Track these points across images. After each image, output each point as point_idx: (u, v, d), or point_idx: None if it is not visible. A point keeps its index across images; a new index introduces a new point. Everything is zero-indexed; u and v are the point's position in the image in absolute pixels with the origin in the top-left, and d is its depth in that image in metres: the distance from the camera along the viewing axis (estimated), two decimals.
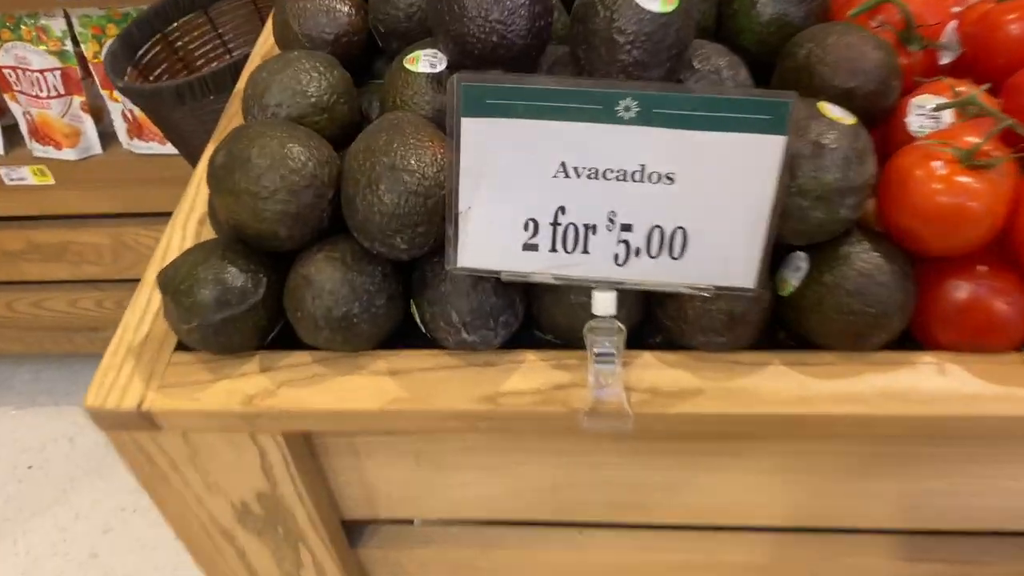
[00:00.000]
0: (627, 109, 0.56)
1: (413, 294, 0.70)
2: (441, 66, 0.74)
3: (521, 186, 0.59)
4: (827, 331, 0.65)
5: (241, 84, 0.99)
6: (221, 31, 1.44)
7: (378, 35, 0.83)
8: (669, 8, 0.65)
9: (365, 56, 0.87)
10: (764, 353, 0.67)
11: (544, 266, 0.62)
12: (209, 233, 0.79)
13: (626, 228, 0.60)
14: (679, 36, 0.66)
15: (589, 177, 0.59)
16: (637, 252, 0.61)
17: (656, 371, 0.66)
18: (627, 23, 0.64)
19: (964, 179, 0.61)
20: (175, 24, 1.38)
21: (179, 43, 1.40)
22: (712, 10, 0.80)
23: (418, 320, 0.70)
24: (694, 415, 0.64)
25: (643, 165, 0.58)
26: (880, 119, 0.69)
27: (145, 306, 0.74)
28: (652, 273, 0.61)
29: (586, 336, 0.64)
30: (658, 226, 0.60)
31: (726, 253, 0.60)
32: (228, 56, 1.48)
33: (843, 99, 0.67)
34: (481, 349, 0.68)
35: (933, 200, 0.61)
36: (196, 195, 0.85)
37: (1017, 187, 0.62)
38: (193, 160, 1.31)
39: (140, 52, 1.35)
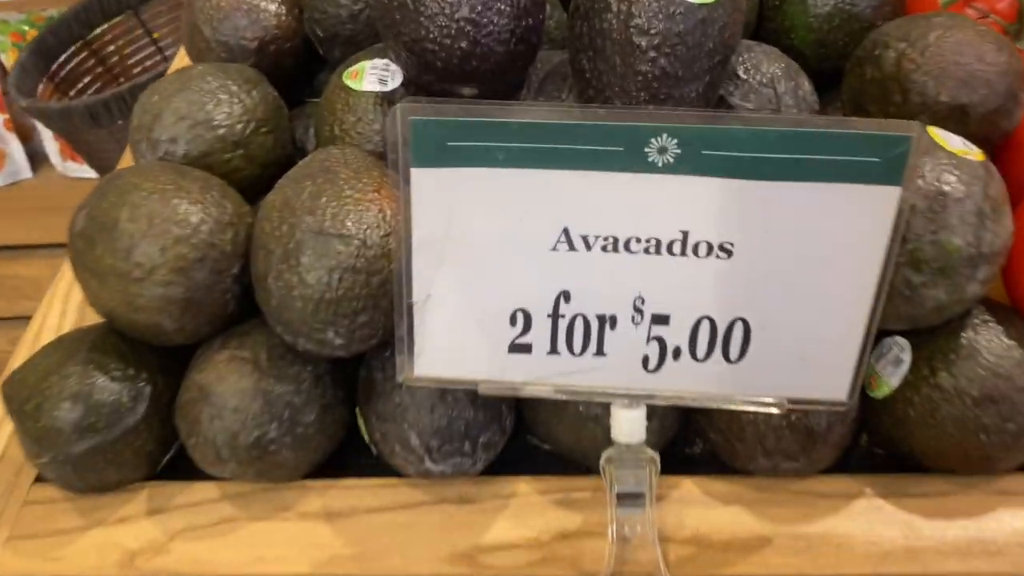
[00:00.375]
0: (663, 151, 0.37)
1: (358, 401, 0.50)
2: (394, 82, 0.54)
3: (505, 265, 0.40)
4: (941, 450, 0.46)
5: None
6: (156, 35, 1.24)
7: (317, 40, 0.64)
8: None
9: (302, 68, 0.68)
10: (849, 478, 0.48)
11: (541, 374, 0.43)
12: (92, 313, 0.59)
13: (660, 320, 0.41)
14: (724, 37, 0.47)
15: (605, 250, 0.39)
16: (676, 353, 0.41)
17: (701, 510, 0.47)
18: (651, 20, 0.45)
19: None
20: (99, 29, 1.18)
21: (106, 51, 1.20)
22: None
23: (366, 437, 0.50)
24: None
25: (685, 232, 0.39)
26: (996, 146, 0.50)
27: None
28: (697, 382, 0.42)
29: (604, 470, 0.44)
30: (707, 317, 0.41)
31: (807, 353, 0.41)
32: (167, 65, 1.28)
33: (951, 122, 0.48)
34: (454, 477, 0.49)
35: None
36: None
37: None
38: None
39: (58, 62, 1.15)
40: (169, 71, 0.81)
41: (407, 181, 0.38)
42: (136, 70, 1.27)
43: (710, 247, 0.39)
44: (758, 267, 0.39)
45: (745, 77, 0.52)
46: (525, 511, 0.48)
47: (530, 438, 0.53)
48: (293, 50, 0.65)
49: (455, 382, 0.43)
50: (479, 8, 0.48)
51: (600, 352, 0.42)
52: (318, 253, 0.44)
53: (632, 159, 0.37)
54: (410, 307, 0.41)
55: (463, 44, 0.48)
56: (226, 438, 0.46)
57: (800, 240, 0.39)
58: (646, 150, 0.37)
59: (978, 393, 0.44)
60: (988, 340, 0.44)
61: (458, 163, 0.37)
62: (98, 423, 0.46)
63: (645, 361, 0.42)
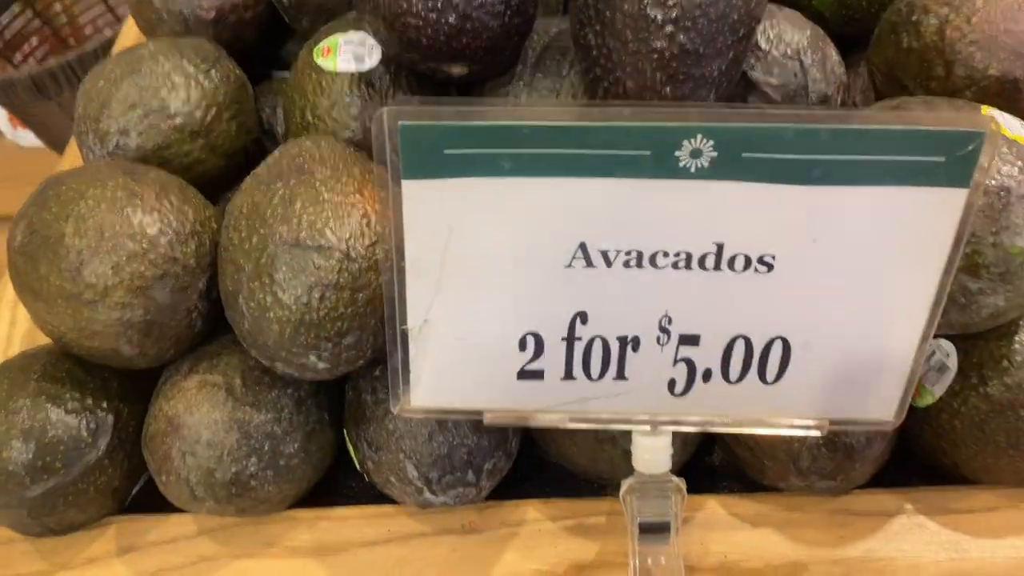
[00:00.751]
0: (696, 154, 0.31)
1: (346, 424, 0.45)
2: (372, 60, 0.48)
3: (512, 285, 0.35)
4: (990, 466, 0.42)
5: None
6: None
7: (281, 8, 0.57)
8: None
9: (265, 38, 0.61)
10: (887, 494, 0.44)
11: (554, 401, 0.38)
12: None
13: (689, 341, 0.36)
14: (750, 7, 0.41)
15: (627, 265, 0.34)
16: (707, 375, 0.37)
17: (730, 534, 0.43)
18: None
19: None
20: None
21: (51, 11, 1.11)
22: None
23: (357, 464, 0.45)
24: None
25: (720, 244, 0.34)
26: None
27: None
28: (729, 405, 0.38)
29: (624, 500, 0.40)
30: (743, 336, 0.36)
31: (852, 372, 0.37)
32: (120, 26, 1.18)
33: (1001, 99, 0.43)
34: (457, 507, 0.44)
35: None
36: None
37: None
38: None
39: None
40: (118, 41, 0.74)
41: (397, 194, 0.32)
42: (88, 31, 1.18)
43: (748, 261, 0.34)
44: (802, 281, 0.34)
45: (767, 48, 0.46)
46: (536, 541, 0.43)
47: (539, 452, 0.49)
48: (255, 19, 0.58)
49: (456, 412, 0.38)
50: None
51: (621, 376, 0.37)
52: (294, 269, 0.38)
53: (661, 164, 0.32)
54: (404, 334, 0.36)
55: (451, 19, 0.42)
56: (200, 475, 0.41)
57: (851, 250, 0.34)
58: (677, 154, 0.31)
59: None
60: None
61: (457, 173, 0.32)
62: (54, 463, 0.41)
63: (671, 385, 0.37)
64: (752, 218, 0.33)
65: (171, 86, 0.48)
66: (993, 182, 0.36)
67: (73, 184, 0.41)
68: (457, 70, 0.45)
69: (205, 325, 0.43)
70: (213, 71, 0.50)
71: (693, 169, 0.32)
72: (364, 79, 0.47)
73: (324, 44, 0.49)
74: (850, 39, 0.54)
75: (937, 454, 0.43)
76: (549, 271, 0.34)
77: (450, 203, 0.32)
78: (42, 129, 0.93)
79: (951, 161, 0.32)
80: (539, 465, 0.48)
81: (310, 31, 0.56)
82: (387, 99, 0.47)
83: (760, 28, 0.47)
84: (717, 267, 0.34)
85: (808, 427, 0.38)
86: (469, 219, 0.33)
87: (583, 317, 0.36)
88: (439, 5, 0.42)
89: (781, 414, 0.38)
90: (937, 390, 0.42)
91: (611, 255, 0.34)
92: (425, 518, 0.44)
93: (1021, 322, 0.41)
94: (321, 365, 0.40)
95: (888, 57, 0.47)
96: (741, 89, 0.47)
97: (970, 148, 0.31)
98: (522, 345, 0.36)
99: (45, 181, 0.43)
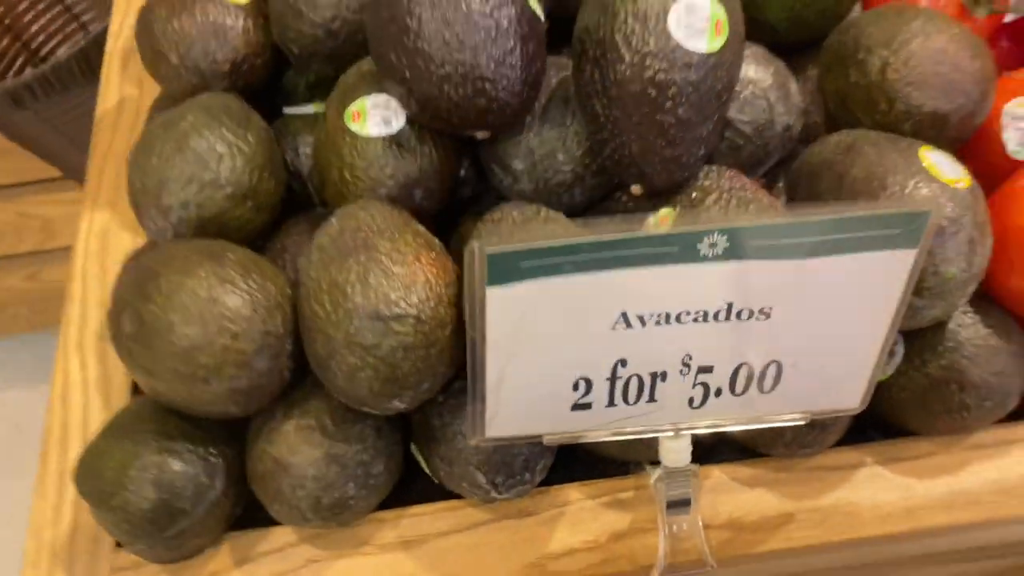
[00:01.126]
0: (713, 246, 0.40)
1: (415, 439, 0.54)
2: (398, 122, 0.54)
3: (569, 347, 0.44)
4: (931, 426, 0.54)
5: (112, 91, 0.75)
6: None
7: (291, 55, 0.62)
8: (718, 43, 0.47)
9: (273, 78, 0.65)
10: (853, 450, 0.55)
11: (599, 423, 0.47)
12: (112, 352, 0.58)
13: (705, 370, 0.46)
14: (731, 76, 0.49)
15: (658, 324, 0.43)
16: (718, 392, 0.47)
17: (733, 496, 0.54)
18: (666, 72, 0.47)
19: None
20: None
21: (8, 19, 1.08)
22: None
23: (428, 471, 0.55)
24: (787, 550, 0.53)
25: (730, 303, 0.43)
26: (967, 139, 0.55)
27: (57, 493, 0.56)
28: (735, 410, 0.48)
29: (655, 487, 0.51)
30: (746, 363, 0.46)
31: (829, 378, 0.47)
32: (81, 31, 1.15)
33: (932, 128, 0.52)
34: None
35: None
36: (83, 293, 0.65)
37: None
38: (55, 161, 1.05)
39: None
40: (104, 75, 0.76)
41: (483, 297, 0.40)
42: (40, 38, 1.14)
43: (751, 312, 0.43)
44: (794, 323, 0.44)
45: (739, 89, 0.54)
46: (580, 517, 0.54)
47: None
48: (265, 64, 0.63)
49: (522, 438, 0.48)
50: (490, 64, 0.48)
51: (652, 399, 0.47)
52: (378, 336, 0.46)
53: (685, 254, 0.40)
54: (483, 389, 0.45)
55: (481, 102, 0.49)
56: (310, 503, 0.50)
57: (830, 299, 0.43)
58: (698, 246, 0.40)
59: (964, 380, 0.51)
60: (970, 332, 0.51)
61: (528, 277, 0.40)
62: (184, 507, 0.49)
63: (691, 401, 0.47)
64: (756, 284, 0.42)
65: (218, 157, 0.53)
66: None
67: (169, 276, 0.47)
68: (480, 135, 0.52)
69: (292, 377, 0.51)
70: (249, 135, 0.55)
71: (710, 255, 0.41)
72: (395, 140, 0.54)
73: (353, 109, 0.54)
74: (800, 46, 0.62)
75: (889, 417, 0.55)
76: (597, 333, 0.43)
77: (523, 299, 0.41)
78: (20, 136, 0.95)
79: (905, 231, 0.41)
80: (568, 452, 0.58)
81: (318, 74, 0.62)
82: (417, 156, 0.54)
83: None
84: (728, 318, 0.44)
85: (794, 419, 0.49)
86: (538, 308, 0.41)
87: (623, 362, 0.45)
88: (470, 93, 0.48)
89: (774, 413, 0.48)
90: (889, 370, 0.53)
91: (645, 318, 0.43)
92: (488, 508, 0.54)
93: (948, 320, 0.52)
94: (402, 405, 0.49)
95: (839, 87, 0.55)
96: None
97: (919, 222, 0.41)
98: (575, 387, 0.45)
99: (135, 268, 0.49)
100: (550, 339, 0.43)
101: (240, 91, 0.60)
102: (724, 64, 0.48)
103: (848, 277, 0.43)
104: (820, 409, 0.49)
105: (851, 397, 0.48)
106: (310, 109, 0.65)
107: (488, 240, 0.38)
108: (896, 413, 0.54)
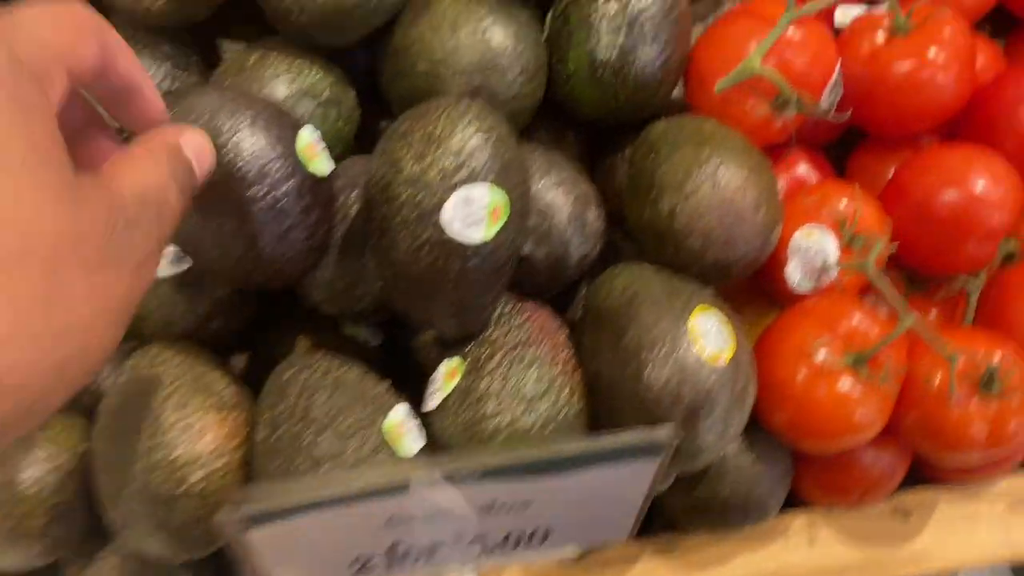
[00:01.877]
0: (464, 479, 0.43)
1: None
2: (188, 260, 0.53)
3: (340, 546, 0.47)
4: (696, 525, 0.60)
5: None
6: None
7: None
8: (495, 229, 0.47)
9: None
10: (636, 543, 0.61)
11: None
12: None
13: (478, 539, 0.50)
14: (514, 246, 0.50)
15: (425, 522, 0.47)
16: (493, 550, 0.51)
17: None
18: (444, 259, 0.47)
19: (852, 391, 0.53)
20: None
21: None
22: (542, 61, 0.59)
23: None
24: None
25: (493, 500, 0.46)
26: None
27: None
28: (513, 555, 0.53)
29: None
30: (513, 532, 0.50)
31: (594, 528, 0.52)
32: None
33: (716, 273, 0.54)
34: None
35: (823, 423, 0.54)
36: None
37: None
38: None
39: None
40: None
41: (249, 546, 0.42)
42: None
43: (510, 506, 0.47)
44: (552, 507, 0.48)
45: (535, 224, 0.54)
46: None
47: None
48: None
49: None
50: (271, 248, 0.47)
51: (431, 560, 0.51)
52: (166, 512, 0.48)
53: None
54: None
55: (260, 279, 0.48)
56: None
57: (584, 493, 0.47)
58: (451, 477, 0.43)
59: (730, 504, 0.57)
60: (736, 462, 0.56)
61: (288, 517, 0.42)
62: None
63: (471, 553, 0.51)
64: (513, 492, 0.45)
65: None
66: (687, 403, 0.49)
67: None
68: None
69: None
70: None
71: (466, 482, 0.43)
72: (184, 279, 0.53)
73: None
74: (607, 129, 0.62)
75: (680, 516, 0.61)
76: (366, 535, 0.46)
77: (288, 531, 0.43)
78: None
79: (650, 448, 0.44)
80: None
81: None
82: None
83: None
84: (490, 512, 0.47)
85: (568, 552, 0.54)
86: (294, 543, 0.44)
87: (396, 545, 0.48)
88: (248, 266, 0.48)
89: (549, 554, 0.53)
90: (661, 487, 0.58)
91: (412, 521, 0.46)
92: None
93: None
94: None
95: (637, 219, 0.56)
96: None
97: (664, 442, 0.44)
98: (350, 565, 0.49)
99: None
100: (324, 545, 0.46)
101: None
102: (505, 243, 0.48)
103: (602, 479, 0.46)
104: (590, 546, 0.54)
105: (619, 533, 0.53)
106: None
107: (238, 506, 0.40)
108: (672, 516, 0.60)
